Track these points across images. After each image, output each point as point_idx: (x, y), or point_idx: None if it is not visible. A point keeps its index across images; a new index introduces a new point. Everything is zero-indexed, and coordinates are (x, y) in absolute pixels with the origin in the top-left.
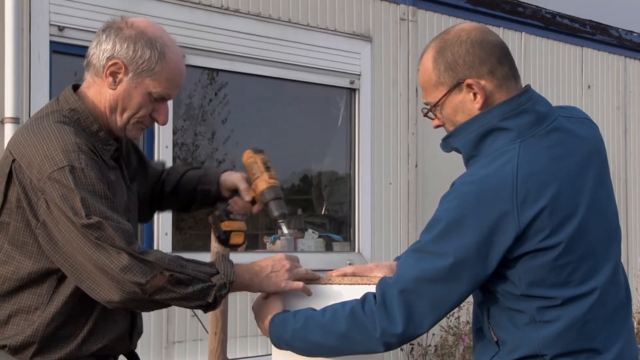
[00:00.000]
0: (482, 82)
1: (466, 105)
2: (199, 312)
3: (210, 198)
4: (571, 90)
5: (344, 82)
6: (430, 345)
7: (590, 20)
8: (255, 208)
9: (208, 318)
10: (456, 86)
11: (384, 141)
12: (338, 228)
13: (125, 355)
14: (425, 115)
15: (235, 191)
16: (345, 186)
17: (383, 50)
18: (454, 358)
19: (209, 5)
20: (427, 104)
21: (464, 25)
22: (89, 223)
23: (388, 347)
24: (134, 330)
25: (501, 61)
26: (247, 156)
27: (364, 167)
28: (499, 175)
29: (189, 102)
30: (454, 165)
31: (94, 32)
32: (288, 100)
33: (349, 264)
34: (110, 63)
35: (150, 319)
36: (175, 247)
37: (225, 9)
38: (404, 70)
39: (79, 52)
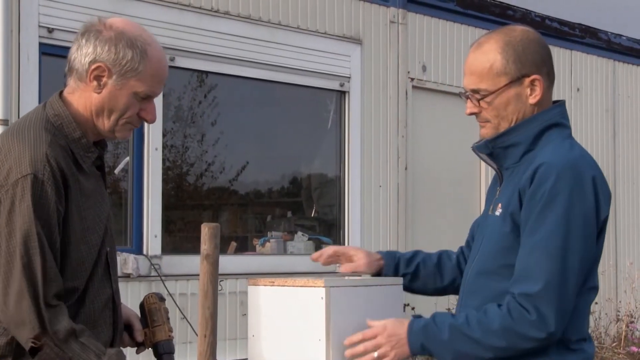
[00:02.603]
0: (543, 81)
1: (521, 99)
2: (189, 314)
3: None
4: (560, 93)
5: (334, 85)
6: None
7: (580, 24)
8: (140, 350)
9: (198, 320)
10: (518, 79)
11: (373, 143)
12: (328, 230)
13: None
14: (467, 98)
15: (124, 327)
16: (335, 188)
17: (373, 53)
18: None
19: (199, 8)
20: (474, 90)
21: (524, 27)
22: (27, 236)
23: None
24: (115, 340)
25: (553, 66)
26: (151, 301)
27: (354, 169)
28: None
29: (179, 104)
30: (444, 167)
31: None
32: (278, 102)
33: (338, 267)
34: (93, 67)
35: None
36: (164, 249)
37: (214, 11)
38: (393, 73)
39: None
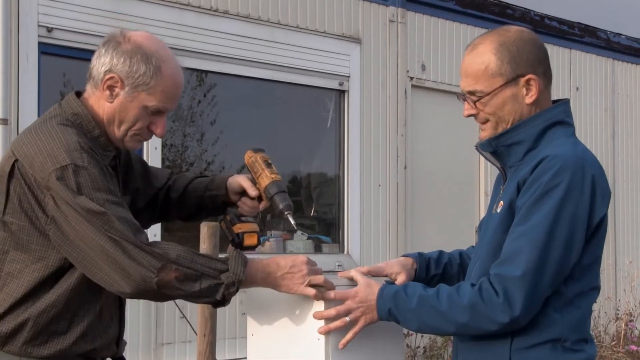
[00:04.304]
0: (539, 81)
1: (517, 99)
2: (188, 313)
3: (219, 204)
4: (559, 93)
5: (333, 84)
6: (419, 347)
7: (579, 23)
8: (262, 205)
9: (197, 320)
10: (513, 80)
11: (373, 143)
12: (327, 229)
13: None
14: (464, 100)
15: (242, 192)
16: (334, 188)
17: (372, 52)
18: (442, 359)
19: (198, 7)
20: (470, 92)
21: (519, 27)
22: (97, 214)
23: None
24: (121, 337)
25: (550, 65)
26: (248, 156)
27: (353, 168)
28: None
29: (178, 103)
30: (443, 166)
31: (83, 33)
32: (277, 101)
33: (339, 266)
34: (107, 77)
35: (139, 321)
36: None
37: (214, 11)
38: (393, 72)
39: (68, 53)
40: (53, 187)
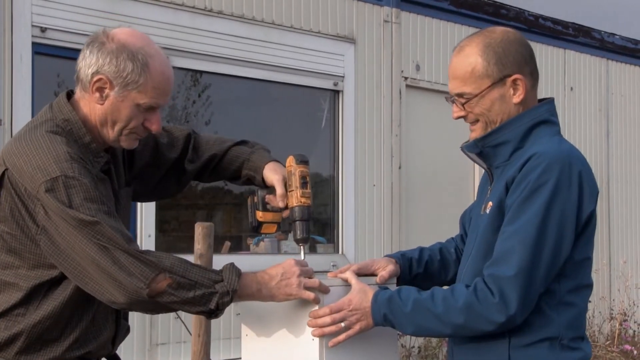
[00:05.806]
0: (525, 80)
1: (505, 99)
2: (182, 314)
3: (254, 183)
4: (553, 93)
5: (328, 84)
6: (413, 347)
7: (573, 23)
8: (286, 213)
9: (191, 320)
10: (500, 80)
11: (367, 143)
12: (322, 230)
13: (107, 358)
14: (453, 102)
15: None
16: (329, 188)
17: (367, 52)
18: (437, 359)
19: (193, 7)
20: (458, 94)
21: (505, 27)
22: (88, 224)
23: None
24: (117, 336)
25: (536, 64)
26: (288, 163)
27: (348, 168)
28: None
29: (173, 103)
30: (437, 166)
31: (77, 33)
32: (271, 102)
33: (333, 266)
34: (95, 79)
35: (133, 321)
36: (158, 249)
37: (208, 11)
38: (387, 72)
39: (62, 53)
40: (43, 199)
